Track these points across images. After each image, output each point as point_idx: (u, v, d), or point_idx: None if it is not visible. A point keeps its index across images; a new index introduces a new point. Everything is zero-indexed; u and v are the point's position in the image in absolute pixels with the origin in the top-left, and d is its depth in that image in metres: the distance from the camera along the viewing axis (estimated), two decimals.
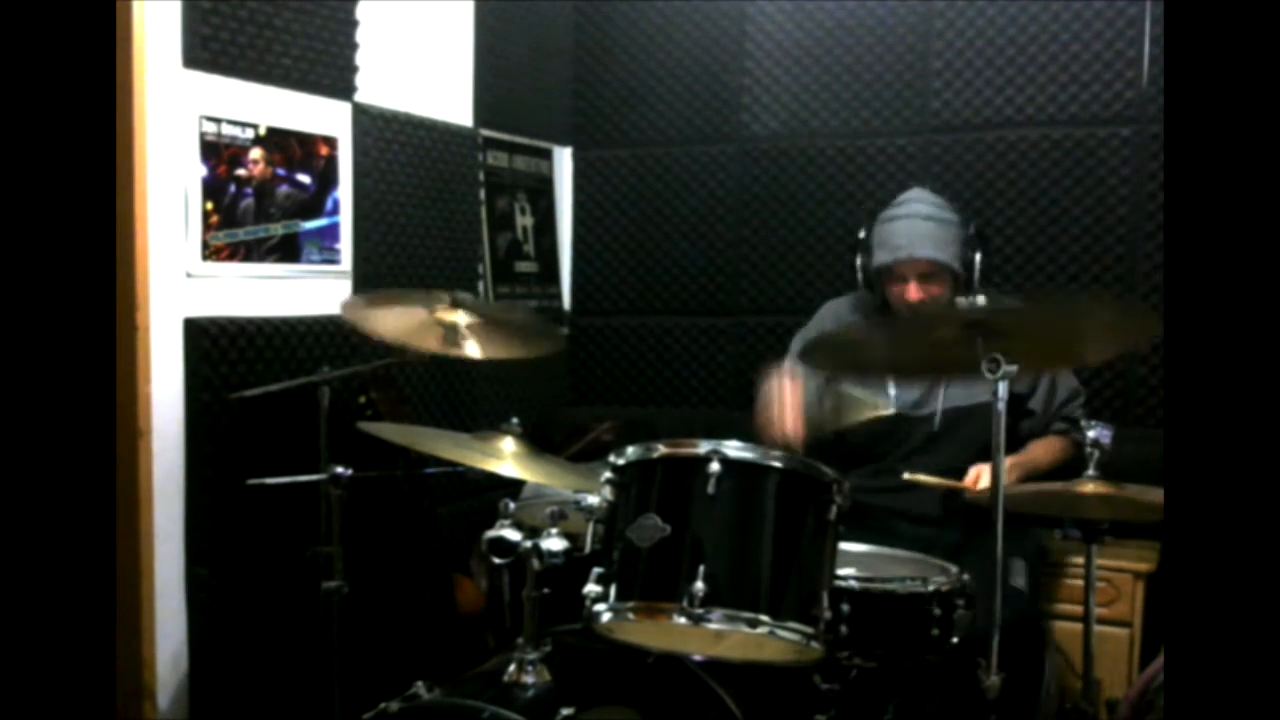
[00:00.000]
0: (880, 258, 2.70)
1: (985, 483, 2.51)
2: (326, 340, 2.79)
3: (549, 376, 3.73)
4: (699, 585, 1.70)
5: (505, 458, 2.08)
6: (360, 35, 2.90)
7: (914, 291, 2.66)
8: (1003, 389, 1.89)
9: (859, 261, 2.78)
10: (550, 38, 3.71)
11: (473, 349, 2.43)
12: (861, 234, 2.80)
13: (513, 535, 1.81)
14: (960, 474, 2.60)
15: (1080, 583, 2.65)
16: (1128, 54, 3.18)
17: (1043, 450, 2.71)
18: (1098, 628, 2.46)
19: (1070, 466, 2.61)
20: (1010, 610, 2.35)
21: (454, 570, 3.01)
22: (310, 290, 2.79)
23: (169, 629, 2.45)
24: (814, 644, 1.78)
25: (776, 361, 2.73)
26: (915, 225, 2.69)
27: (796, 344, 2.97)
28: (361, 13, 2.89)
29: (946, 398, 2.74)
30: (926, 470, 2.66)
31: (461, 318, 2.42)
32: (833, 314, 2.96)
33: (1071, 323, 2.09)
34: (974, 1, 3.32)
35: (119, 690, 2.35)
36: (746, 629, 1.72)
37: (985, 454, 2.00)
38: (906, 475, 2.58)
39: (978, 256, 2.68)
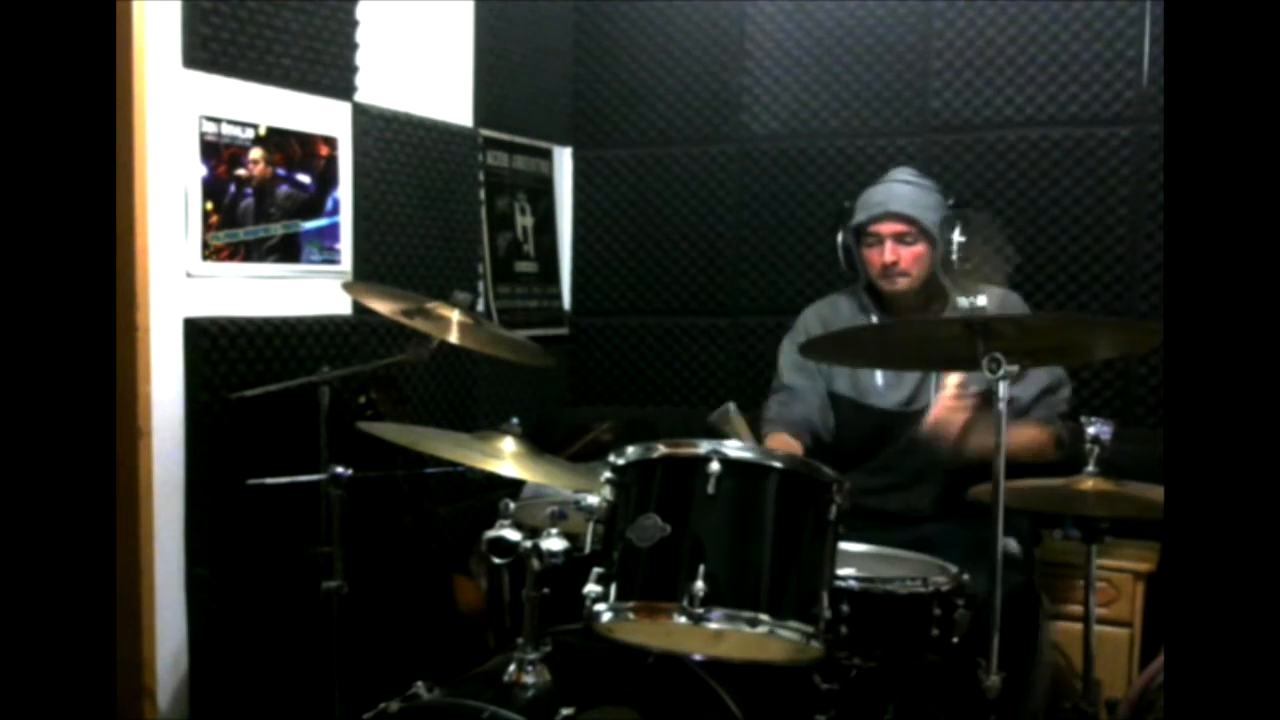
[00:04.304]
0: (858, 217, 2.72)
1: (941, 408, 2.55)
2: (326, 340, 2.79)
3: (549, 376, 3.72)
4: (699, 585, 1.70)
5: (505, 458, 2.07)
6: (360, 35, 2.90)
7: (888, 252, 2.66)
8: (1003, 389, 1.89)
9: (839, 238, 2.79)
10: (550, 38, 3.71)
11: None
12: (846, 204, 2.82)
13: (513, 535, 1.81)
14: (959, 474, 2.59)
15: (1080, 583, 2.65)
16: (1128, 54, 3.18)
17: (1014, 432, 2.57)
18: (1098, 628, 2.46)
19: (1065, 464, 2.60)
20: (1007, 576, 2.36)
21: (454, 570, 3.00)
22: (310, 290, 2.79)
23: (169, 629, 2.45)
24: (814, 644, 1.78)
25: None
26: (894, 187, 2.72)
27: (785, 354, 2.98)
28: (361, 13, 2.89)
29: (939, 393, 2.72)
30: (925, 471, 2.66)
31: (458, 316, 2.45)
32: (816, 316, 2.95)
33: (1073, 335, 2.11)
34: (974, 1, 3.32)
35: (119, 690, 2.35)
36: (746, 628, 1.72)
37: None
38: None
39: (956, 232, 2.68)
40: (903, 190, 2.70)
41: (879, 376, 2.78)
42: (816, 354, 2.60)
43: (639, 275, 3.81)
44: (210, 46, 2.48)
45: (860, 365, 2.74)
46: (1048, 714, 2.53)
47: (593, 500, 1.88)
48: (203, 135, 2.49)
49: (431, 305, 2.46)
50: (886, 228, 2.67)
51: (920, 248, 2.67)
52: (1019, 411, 2.64)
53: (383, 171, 3.01)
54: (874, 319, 2.79)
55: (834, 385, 2.85)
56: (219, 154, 2.53)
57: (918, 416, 2.73)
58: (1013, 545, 2.63)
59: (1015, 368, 1.88)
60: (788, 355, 2.97)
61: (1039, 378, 2.68)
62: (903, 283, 2.68)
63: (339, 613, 2.40)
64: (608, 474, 1.88)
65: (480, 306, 3.36)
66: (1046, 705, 2.52)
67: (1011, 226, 3.31)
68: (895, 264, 2.66)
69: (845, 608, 1.93)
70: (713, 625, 1.71)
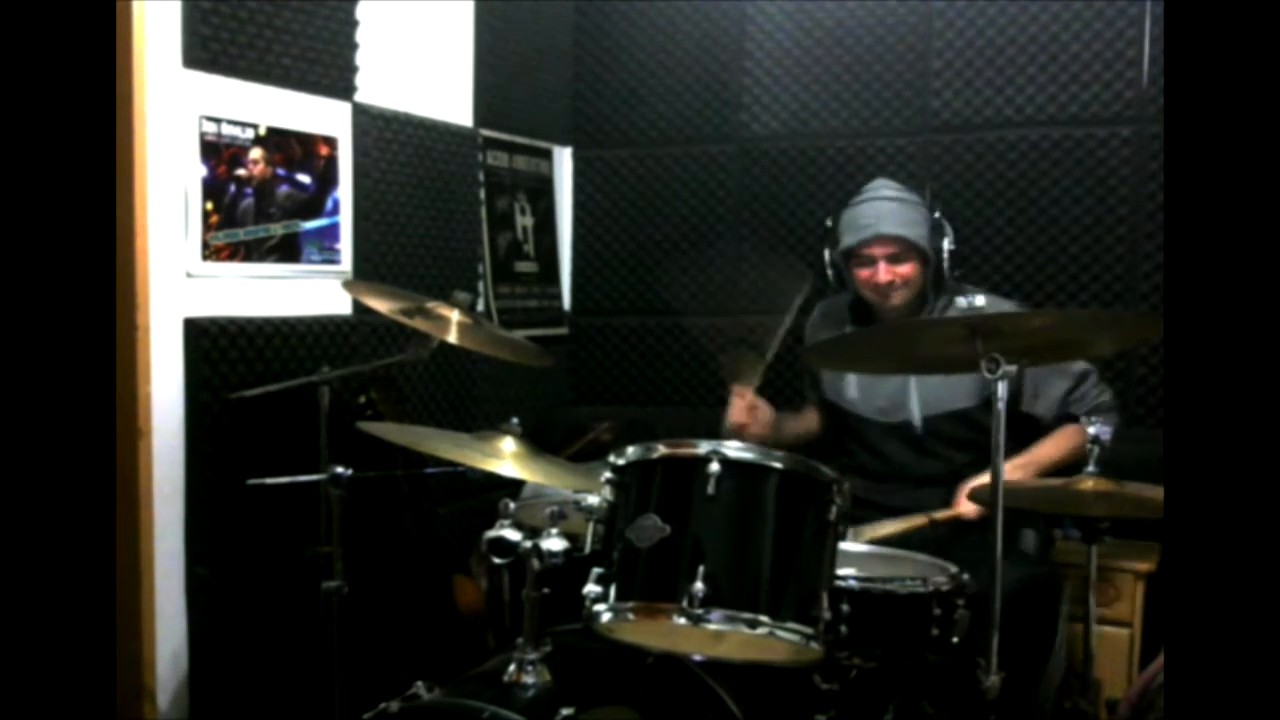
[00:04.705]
0: (847, 240, 2.70)
1: (970, 507, 2.49)
2: (326, 340, 2.79)
3: (549, 376, 3.72)
4: (699, 585, 1.70)
5: (505, 458, 2.07)
6: (360, 35, 2.90)
7: (883, 273, 2.65)
8: (1002, 389, 1.88)
9: (826, 256, 2.78)
10: (550, 38, 3.71)
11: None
12: (828, 223, 2.80)
13: (513, 535, 1.80)
14: (956, 478, 2.59)
15: (1080, 583, 2.65)
16: (1128, 54, 3.18)
17: (1052, 445, 2.62)
18: (1098, 628, 2.45)
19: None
20: (1019, 571, 2.36)
21: (454, 570, 3.00)
22: (310, 290, 2.79)
23: (169, 629, 2.45)
24: (814, 644, 1.78)
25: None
26: (879, 205, 2.69)
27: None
28: (361, 13, 2.89)
29: (923, 402, 2.71)
30: (921, 479, 2.66)
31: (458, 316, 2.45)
32: (809, 325, 2.97)
33: (1072, 329, 2.11)
34: (974, 1, 3.32)
35: (119, 690, 2.35)
36: (746, 629, 1.72)
37: (981, 458, 1.99)
38: (872, 534, 2.44)
39: (946, 241, 2.68)
40: (889, 208, 2.67)
41: (854, 387, 2.78)
42: (815, 360, 2.62)
43: (639, 275, 3.81)
44: (210, 46, 2.48)
45: (856, 370, 2.75)
46: (1049, 714, 2.53)
47: (593, 500, 1.88)
48: (203, 135, 2.49)
49: (431, 305, 2.46)
50: (878, 250, 2.66)
51: (913, 263, 2.66)
52: (1048, 426, 2.67)
53: (383, 171, 3.00)
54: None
55: (824, 392, 2.87)
56: (219, 154, 2.53)
57: (897, 428, 2.73)
58: (1029, 539, 2.64)
59: (1014, 368, 1.88)
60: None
61: (1058, 384, 2.67)
62: (898, 298, 2.68)
63: (339, 613, 2.40)
64: (607, 474, 1.88)
65: (480, 306, 3.35)
66: (1055, 702, 2.52)
67: (1011, 226, 3.32)
68: (891, 283, 2.65)
69: (845, 608, 1.93)
70: (712, 626, 1.71)
